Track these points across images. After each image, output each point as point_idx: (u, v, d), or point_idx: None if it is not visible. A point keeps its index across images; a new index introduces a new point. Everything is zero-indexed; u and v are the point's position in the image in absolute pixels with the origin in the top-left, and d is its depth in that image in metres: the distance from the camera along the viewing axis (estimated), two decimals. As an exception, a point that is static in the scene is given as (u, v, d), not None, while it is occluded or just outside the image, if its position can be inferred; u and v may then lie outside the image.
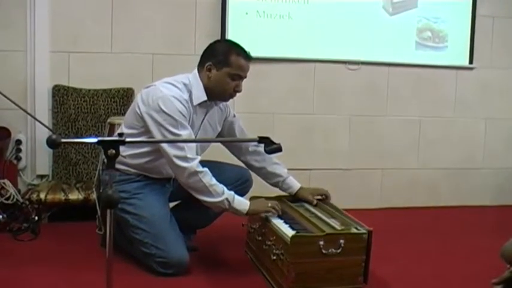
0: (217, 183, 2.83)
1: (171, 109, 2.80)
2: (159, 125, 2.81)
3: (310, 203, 3.15)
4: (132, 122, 2.95)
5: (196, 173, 2.79)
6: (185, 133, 2.82)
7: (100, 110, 4.04)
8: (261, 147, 2.87)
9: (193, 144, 2.87)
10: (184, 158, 2.79)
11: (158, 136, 2.82)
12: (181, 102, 2.85)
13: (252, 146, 3.24)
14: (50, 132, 3.84)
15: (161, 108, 2.80)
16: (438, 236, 3.83)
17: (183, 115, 2.84)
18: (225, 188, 2.84)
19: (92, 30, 4.06)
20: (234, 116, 3.28)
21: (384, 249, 3.07)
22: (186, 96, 2.90)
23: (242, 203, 2.87)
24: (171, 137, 2.80)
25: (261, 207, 2.90)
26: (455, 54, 4.65)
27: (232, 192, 2.86)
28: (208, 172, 2.82)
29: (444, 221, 4.33)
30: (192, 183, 2.82)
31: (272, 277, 2.73)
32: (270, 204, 2.90)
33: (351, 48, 4.44)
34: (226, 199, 2.81)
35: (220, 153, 3.29)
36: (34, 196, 3.62)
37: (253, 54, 3.07)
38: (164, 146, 2.82)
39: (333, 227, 2.70)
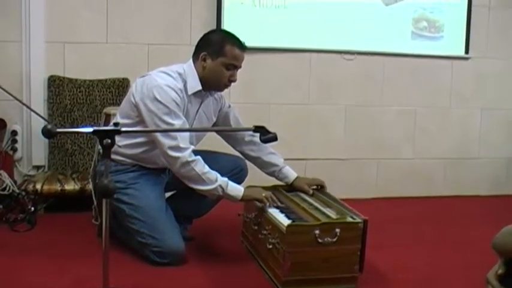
0: (210, 170, 2.83)
1: (165, 98, 2.80)
2: (152, 113, 2.81)
3: (306, 193, 3.16)
4: (127, 112, 2.96)
5: (188, 162, 2.79)
6: (178, 123, 2.82)
7: (96, 100, 4.03)
8: (257, 137, 2.87)
9: (187, 134, 2.87)
10: (177, 148, 2.79)
11: (151, 125, 2.82)
12: (175, 92, 2.85)
13: (247, 136, 3.24)
14: (46, 123, 3.83)
15: (155, 97, 2.80)
16: (433, 226, 3.84)
17: (177, 104, 2.84)
18: (218, 175, 2.84)
19: (87, 21, 4.04)
20: (229, 106, 3.28)
21: (379, 238, 3.09)
22: (180, 85, 2.90)
23: (236, 189, 2.88)
24: (164, 126, 2.80)
25: (255, 194, 2.91)
26: (451, 44, 4.65)
27: (225, 179, 2.86)
28: (201, 160, 2.83)
29: (439, 211, 4.35)
30: (184, 172, 2.83)
31: (268, 266, 2.74)
32: (264, 194, 2.90)
33: (346, 38, 4.44)
34: (220, 185, 2.82)
35: (216, 143, 3.30)
36: (30, 187, 3.62)
37: (248, 44, 3.07)
38: (157, 135, 2.82)
39: (328, 216, 2.70)
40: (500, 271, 1.86)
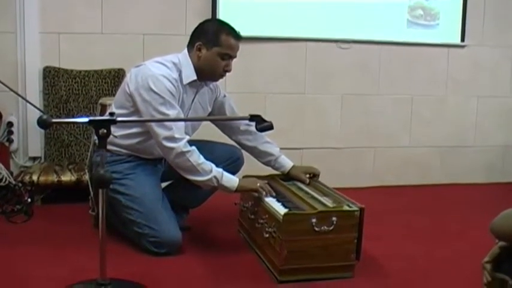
0: (205, 161, 2.83)
1: (160, 88, 2.80)
2: (147, 103, 2.80)
3: (302, 182, 3.16)
4: (122, 102, 2.95)
5: (183, 153, 2.79)
6: (173, 113, 2.82)
7: (91, 91, 4.02)
8: (253, 126, 2.86)
9: (182, 124, 2.87)
10: (172, 138, 2.79)
11: (146, 115, 2.82)
12: (170, 81, 2.84)
13: (243, 125, 3.24)
14: (42, 114, 3.82)
15: (150, 87, 2.79)
16: (430, 214, 3.86)
17: (172, 94, 2.84)
18: (213, 166, 2.84)
19: (82, 11, 4.02)
20: (225, 96, 3.28)
21: (375, 226, 3.10)
22: (175, 75, 2.90)
23: (231, 180, 2.88)
24: (159, 116, 2.80)
25: (249, 185, 2.91)
26: (447, 32, 4.64)
27: (220, 170, 2.86)
28: (196, 151, 2.83)
29: (436, 198, 4.36)
30: (179, 163, 2.83)
31: (265, 255, 2.75)
32: (259, 184, 2.90)
33: (342, 27, 4.43)
34: (215, 177, 2.82)
35: (212, 133, 3.30)
36: (27, 178, 3.62)
37: (244, 33, 3.07)
38: (152, 125, 2.82)
39: (325, 205, 2.71)
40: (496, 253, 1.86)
